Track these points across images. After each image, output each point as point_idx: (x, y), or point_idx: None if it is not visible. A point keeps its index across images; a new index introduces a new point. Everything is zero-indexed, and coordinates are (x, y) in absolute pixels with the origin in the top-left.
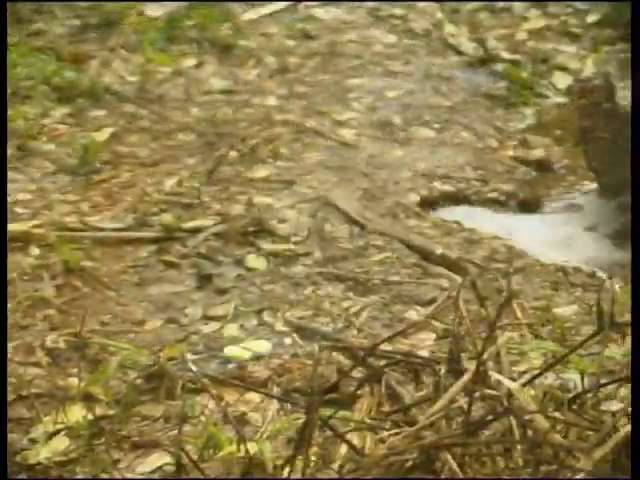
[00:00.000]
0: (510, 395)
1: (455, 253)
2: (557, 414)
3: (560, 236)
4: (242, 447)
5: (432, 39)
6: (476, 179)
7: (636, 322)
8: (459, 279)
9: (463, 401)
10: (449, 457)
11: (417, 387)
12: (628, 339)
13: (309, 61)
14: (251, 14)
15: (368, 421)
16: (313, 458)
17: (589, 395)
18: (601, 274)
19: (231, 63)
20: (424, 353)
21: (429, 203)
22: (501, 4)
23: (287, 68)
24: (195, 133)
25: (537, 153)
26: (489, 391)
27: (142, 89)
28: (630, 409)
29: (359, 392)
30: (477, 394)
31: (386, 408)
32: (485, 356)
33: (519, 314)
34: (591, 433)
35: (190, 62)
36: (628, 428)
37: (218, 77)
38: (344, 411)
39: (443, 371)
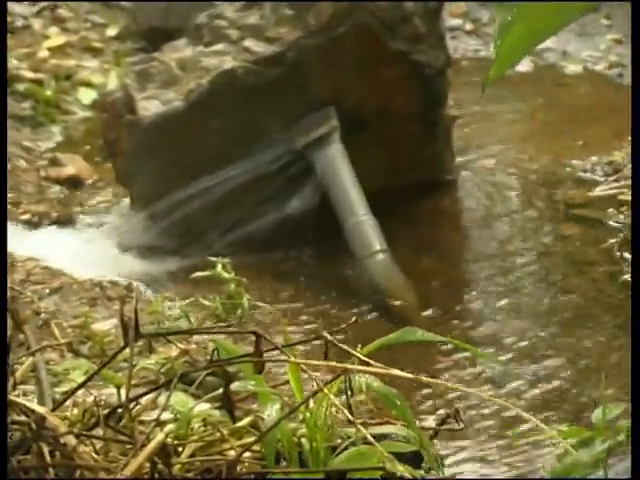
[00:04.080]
0: (43, 419)
1: None
2: (92, 432)
3: (95, 251)
4: None
5: None
6: (8, 202)
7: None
8: None
9: None
10: None
11: None
12: (161, 348)
13: None
14: None
15: None
16: None
17: (128, 408)
18: (135, 285)
19: None
20: None
21: None
22: (20, 23)
23: None
24: None
25: (67, 170)
26: (17, 418)
27: None
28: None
29: None
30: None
31: None
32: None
33: (57, 334)
34: (130, 447)
35: None
36: (161, 436)
37: None
38: None
39: None
